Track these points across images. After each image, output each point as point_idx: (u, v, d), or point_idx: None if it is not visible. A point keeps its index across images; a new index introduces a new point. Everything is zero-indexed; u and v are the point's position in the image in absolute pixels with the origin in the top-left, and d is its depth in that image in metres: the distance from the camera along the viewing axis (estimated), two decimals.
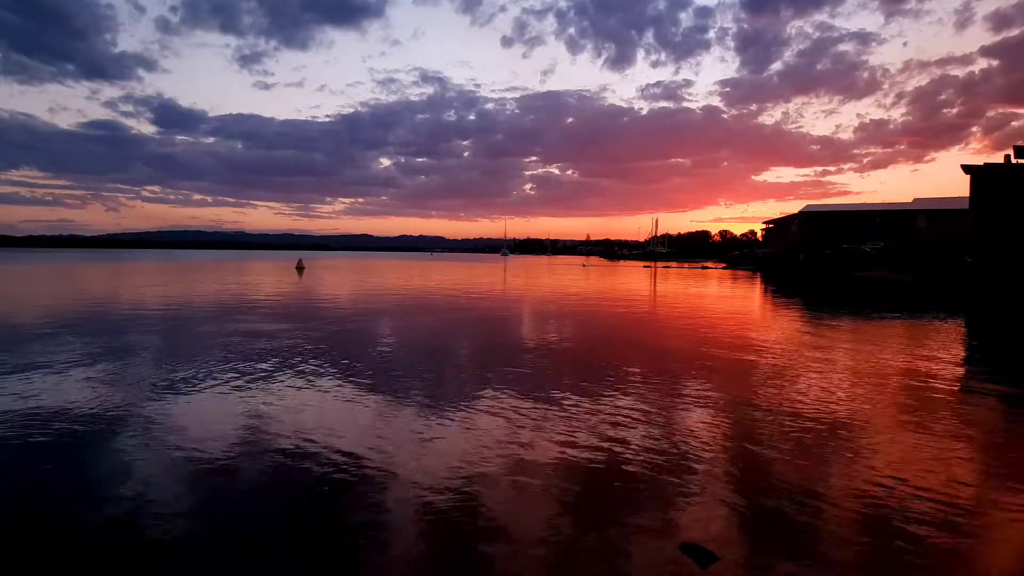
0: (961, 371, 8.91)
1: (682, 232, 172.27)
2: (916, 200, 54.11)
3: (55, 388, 6.95)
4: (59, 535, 3.53)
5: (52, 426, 5.54)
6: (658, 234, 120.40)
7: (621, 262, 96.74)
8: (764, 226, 73.13)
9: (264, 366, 8.39)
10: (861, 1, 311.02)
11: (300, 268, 44.47)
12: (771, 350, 10.36)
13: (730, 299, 22.71)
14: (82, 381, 7.33)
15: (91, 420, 5.74)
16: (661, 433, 5.55)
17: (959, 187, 37.23)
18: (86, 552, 3.35)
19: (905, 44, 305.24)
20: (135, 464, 4.64)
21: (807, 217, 56.92)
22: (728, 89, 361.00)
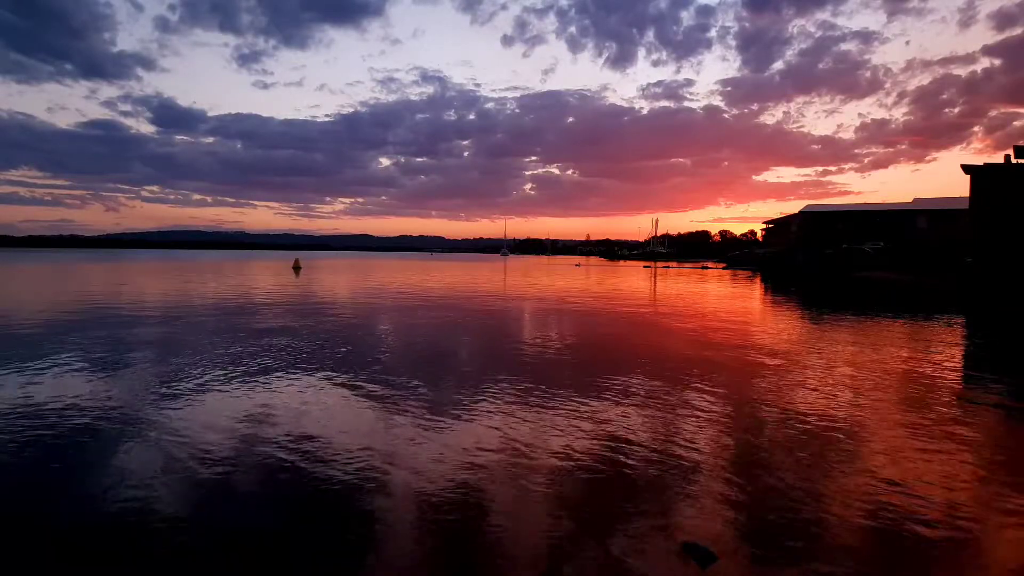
0: (961, 371, 8.87)
1: (682, 232, 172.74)
2: (916, 200, 54.04)
3: (59, 385, 6.92)
4: (60, 533, 3.51)
5: (56, 423, 5.51)
6: (658, 234, 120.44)
7: (621, 262, 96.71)
8: (764, 226, 73.09)
9: (255, 364, 8.36)
10: None
11: (297, 268, 45.21)
12: (771, 350, 10.33)
13: (730, 299, 22.68)
14: (85, 378, 7.30)
15: (92, 416, 5.71)
16: (661, 433, 5.51)
17: (960, 187, 37.29)
18: (87, 550, 3.31)
19: (908, 43, 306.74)
20: (133, 461, 4.61)
21: (807, 217, 56.84)
22: (729, 88, 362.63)
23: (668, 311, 17.36)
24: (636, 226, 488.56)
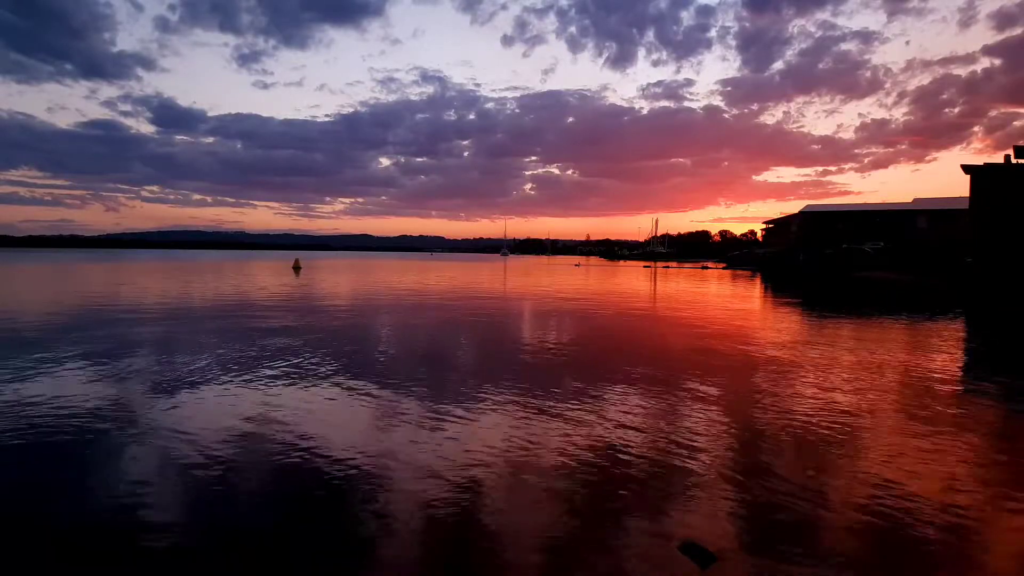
0: (961, 371, 8.87)
1: (682, 232, 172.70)
2: (916, 200, 54.03)
3: (60, 385, 6.92)
4: (60, 533, 3.51)
5: (57, 422, 5.51)
6: (658, 234, 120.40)
7: (621, 262, 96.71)
8: (764, 226, 73.08)
9: (256, 364, 8.36)
10: None
11: (297, 268, 45.46)
12: (771, 350, 10.33)
13: (731, 299, 22.68)
14: (85, 378, 7.30)
15: (92, 416, 5.71)
16: (661, 433, 5.51)
17: (960, 187, 37.26)
18: (87, 550, 3.31)
19: (908, 43, 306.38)
20: (134, 460, 4.61)
21: (807, 217, 56.83)
22: (729, 88, 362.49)
23: (669, 311, 17.36)
24: (636, 226, 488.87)
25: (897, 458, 4.87)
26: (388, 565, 3.22)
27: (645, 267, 66.26)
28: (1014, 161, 31.77)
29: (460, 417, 5.94)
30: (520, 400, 6.63)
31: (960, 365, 9.33)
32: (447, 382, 7.56)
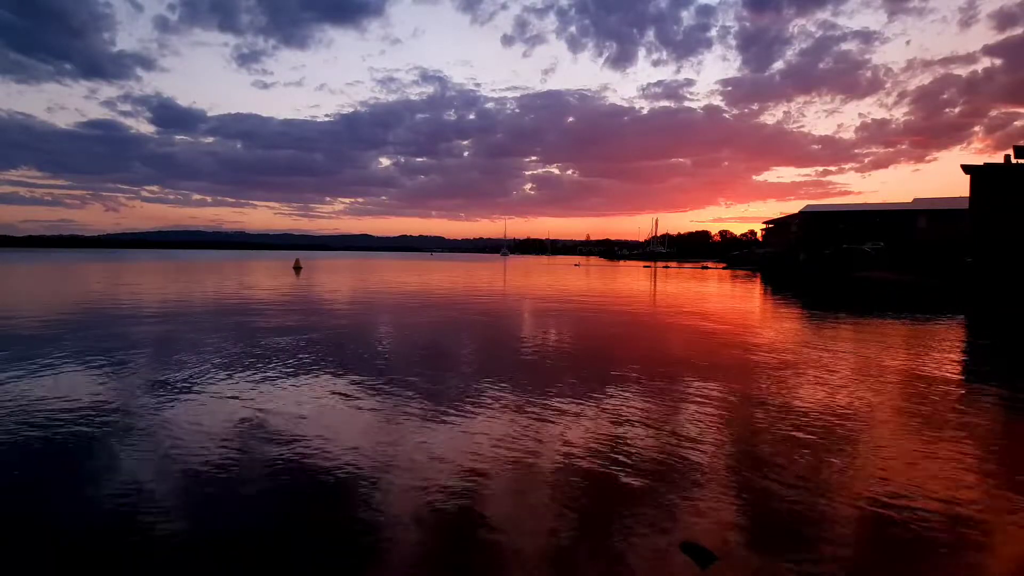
0: (961, 372, 8.87)
1: (682, 232, 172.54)
2: (916, 200, 54.09)
3: (61, 385, 6.93)
4: (60, 533, 3.51)
5: (58, 422, 5.51)
6: (658, 234, 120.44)
7: (621, 262, 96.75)
8: (764, 226, 73.10)
9: (257, 364, 8.36)
10: None
11: (297, 268, 45.57)
12: (771, 351, 10.33)
13: (731, 299, 22.69)
14: (87, 378, 7.30)
15: (93, 416, 5.71)
16: (661, 432, 5.51)
17: (960, 187, 37.27)
18: (87, 550, 3.32)
19: (908, 43, 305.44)
20: (135, 461, 4.61)
21: (807, 217, 56.88)
22: (729, 88, 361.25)
23: (669, 311, 17.36)
24: (636, 226, 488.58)
25: (897, 457, 4.87)
26: (388, 565, 3.22)
27: (645, 267, 66.28)
28: (1014, 161, 31.78)
29: (461, 416, 5.94)
30: (521, 401, 6.63)
31: (960, 365, 9.33)
32: (449, 382, 7.56)
